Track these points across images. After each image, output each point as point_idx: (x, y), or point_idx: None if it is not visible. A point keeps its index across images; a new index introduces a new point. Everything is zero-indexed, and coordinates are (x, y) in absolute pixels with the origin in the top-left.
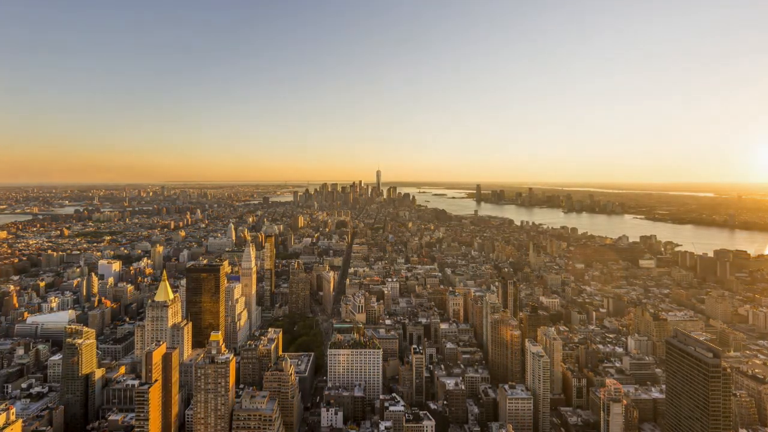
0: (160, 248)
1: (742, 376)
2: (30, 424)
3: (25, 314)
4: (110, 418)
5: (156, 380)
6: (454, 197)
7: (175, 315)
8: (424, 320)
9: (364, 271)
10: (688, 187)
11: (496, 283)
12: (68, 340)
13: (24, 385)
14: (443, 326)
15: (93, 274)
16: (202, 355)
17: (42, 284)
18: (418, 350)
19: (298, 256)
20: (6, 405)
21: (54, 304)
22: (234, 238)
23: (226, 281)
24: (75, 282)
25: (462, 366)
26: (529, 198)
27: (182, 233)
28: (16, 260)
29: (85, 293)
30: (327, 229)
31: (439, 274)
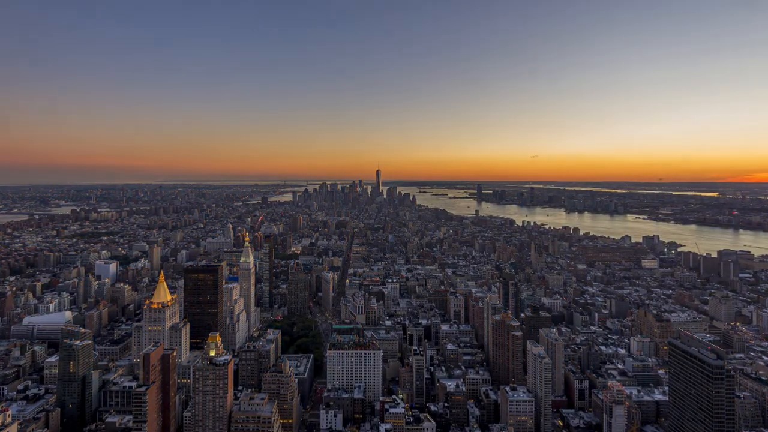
0: (157, 248)
1: (746, 378)
2: (26, 427)
3: (22, 315)
4: (107, 420)
5: (154, 382)
6: (454, 197)
7: (173, 316)
8: (424, 321)
9: (363, 271)
10: (691, 186)
11: (498, 284)
12: (65, 341)
13: (20, 387)
14: (444, 327)
15: (90, 274)
16: (200, 357)
17: (38, 285)
18: (418, 351)
19: (297, 257)
20: (2, 407)
21: (51, 305)
22: (232, 238)
23: (224, 282)
24: (72, 283)
25: (463, 367)
26: (531, 198)
27: (180, 233)
28: (13, 260)
29: (82, 294)
30: (326, 230)
31: (440, 274)
